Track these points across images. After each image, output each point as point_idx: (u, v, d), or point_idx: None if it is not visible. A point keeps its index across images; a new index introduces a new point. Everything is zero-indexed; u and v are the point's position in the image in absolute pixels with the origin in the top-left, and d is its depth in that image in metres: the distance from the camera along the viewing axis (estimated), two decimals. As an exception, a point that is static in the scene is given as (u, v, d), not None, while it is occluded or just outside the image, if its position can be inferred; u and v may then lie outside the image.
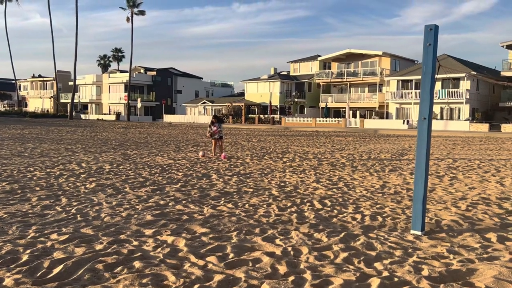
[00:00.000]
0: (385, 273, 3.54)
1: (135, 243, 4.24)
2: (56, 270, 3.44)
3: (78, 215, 5.31)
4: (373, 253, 4.06)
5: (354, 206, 6.21)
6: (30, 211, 5.48)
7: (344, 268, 3.64)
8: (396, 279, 3.43)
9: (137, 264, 3.63)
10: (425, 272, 3.57)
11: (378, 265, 3.75)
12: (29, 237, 4.36)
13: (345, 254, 4.01)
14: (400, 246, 4.30)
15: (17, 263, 3.61)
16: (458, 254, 4.09)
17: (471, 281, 3.42)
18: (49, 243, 4.14)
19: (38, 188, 7.11)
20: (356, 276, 3.46)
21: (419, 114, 4.75)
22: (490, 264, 3.76)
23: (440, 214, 5.77)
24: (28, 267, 3.51)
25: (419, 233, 4.76)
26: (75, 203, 6.01)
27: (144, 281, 3.28)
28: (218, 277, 3.40)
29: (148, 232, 4.65)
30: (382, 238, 4.59)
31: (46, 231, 4.56)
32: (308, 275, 3.46)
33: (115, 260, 3.70)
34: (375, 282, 3.34)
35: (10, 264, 3.58)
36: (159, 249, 4.07)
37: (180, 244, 4.24)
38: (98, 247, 4.07)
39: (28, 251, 3.90)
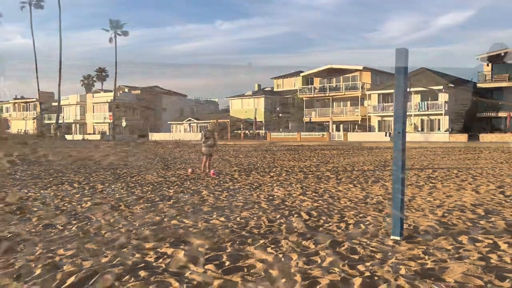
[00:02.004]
0: (367, 273, 3.95)
1: (138, 255, 4.57)
2: (69, 281, 3.77)
3: (80, 233, 5.61)
4: (356, 257, 4.48)
5: (339, 215, 6.63)
6: (33, 230, 5.77)
7: (330, 270, 4.05)
8: (376, 278, 3.84)
9: (142, 273, 3.97)
10: (402, 271, 3.99)
11: (360, 267, 4.16)
12: (37, 253, 4.66)
13: (331, 259, 4.41)
14: (380, 250, 4.73)
15: (32, 276, 3.92)
16: (432, 255, 4.53)
17: (443, 277, 3.86)
18: (57, 258, 4.45)
19: (35, 209, 7.37)
20: (341, 277, 3.87)
21: (394, 129, 5.24)
22: (460, 263, 4.21)
23: (418, 220, 6.23)
24: (43, 279, 3.83)
25: (398, 238, 5.20)
26: (74, 222, 6.30)
27: (151, 287, 3.63)
28: (217, 282, 3.77)
29: (148, 245, 4.99)
30: (365, 243, 5.02)
31: (52, 248, 4.87)
32: (298, 277, 3.86)
33: (121, 270, 4.04)
34: (357, 281, 3.76)
35: (26, 277, 3.89)
36: (160, 260, 4.41)
37: (179, 255, 4.59)
38: (104, 260, 4.40)
39: (40, 265, 4.21)
